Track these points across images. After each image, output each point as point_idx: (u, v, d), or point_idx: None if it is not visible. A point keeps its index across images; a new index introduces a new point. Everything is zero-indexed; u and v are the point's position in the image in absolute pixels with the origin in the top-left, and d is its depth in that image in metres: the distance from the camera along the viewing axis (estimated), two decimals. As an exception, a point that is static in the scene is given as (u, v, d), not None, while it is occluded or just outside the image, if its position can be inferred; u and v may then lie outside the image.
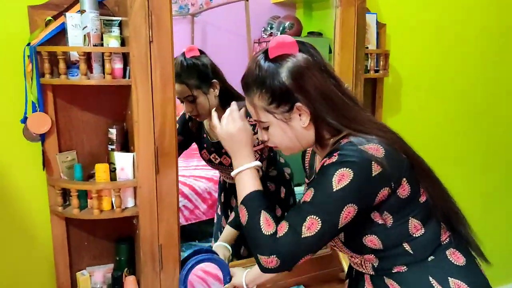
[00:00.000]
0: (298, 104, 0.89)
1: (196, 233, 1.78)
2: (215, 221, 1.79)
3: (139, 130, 1.20)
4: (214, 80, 1.35)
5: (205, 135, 1.48)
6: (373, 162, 0.83)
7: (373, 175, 0.83)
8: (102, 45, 1.19)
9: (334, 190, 0.82)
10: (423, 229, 0.92)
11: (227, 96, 1.32)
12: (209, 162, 1.49)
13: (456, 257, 0.93)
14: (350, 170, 0.82)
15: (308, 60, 0.89)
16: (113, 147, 1.29)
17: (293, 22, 2.29)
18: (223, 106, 1.34)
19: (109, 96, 1.29)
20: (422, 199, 0.93)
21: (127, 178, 1.25)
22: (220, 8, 2.33)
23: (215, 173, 1.87)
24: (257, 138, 1.00)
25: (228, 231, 1.49)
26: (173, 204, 1.28)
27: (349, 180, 0.82)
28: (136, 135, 1.20)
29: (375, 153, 0.84)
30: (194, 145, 1.99)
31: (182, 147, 1.45)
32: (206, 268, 1.32)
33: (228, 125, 0.96)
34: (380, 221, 0.90)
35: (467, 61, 2.03)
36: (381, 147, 0.85)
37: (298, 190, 2.10)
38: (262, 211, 0.88)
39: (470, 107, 2.10)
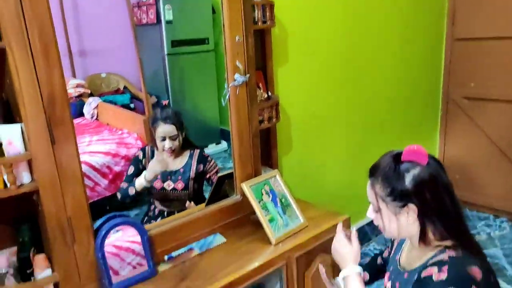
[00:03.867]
0: (411, 205, 1.00)
1: (102, 211, 1.70)
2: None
3: (24, 100, 1.10)
4: (184, 127, 1.78)
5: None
6: (473, 286, 0.92)
7: None
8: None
9: None
10: None
11: (185, 142, 1.79)
12: (162, 189, 1.75)
13: None
14: None
15: (433, 175, 1.00)
16: (-6, 120, 1.17)
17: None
18: (182, 147, 1.77)
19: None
20: None
21: (18, 152, 1.15)
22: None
23: (111, 147, 1.82)
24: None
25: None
26: (76, 175, 1.23)
27: None
28: (22, 105, 1.11)
29: (476, 276, 0.93)
30: (84, 121, 1.87)
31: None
32: (117, 243, 1.32)
33: (334, 244, 1.21)
34: None
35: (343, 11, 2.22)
36: (481, 271, 0.95)
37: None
38: None
39: (343, 56, 2.31)
